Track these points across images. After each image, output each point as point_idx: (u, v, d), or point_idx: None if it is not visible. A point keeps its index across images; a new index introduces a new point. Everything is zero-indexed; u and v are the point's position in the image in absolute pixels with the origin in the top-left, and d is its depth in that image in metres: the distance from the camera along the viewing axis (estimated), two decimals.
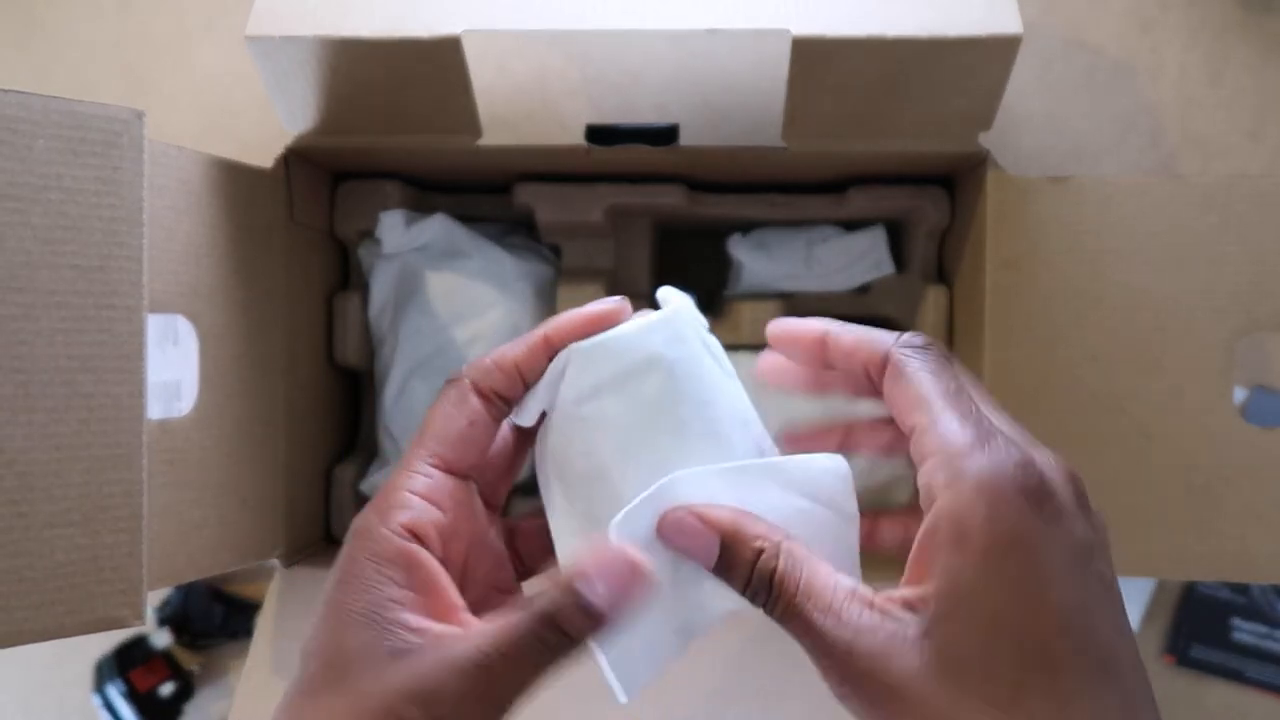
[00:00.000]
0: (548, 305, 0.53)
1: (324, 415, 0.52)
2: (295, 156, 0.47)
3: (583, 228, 0.51)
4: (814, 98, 0.42)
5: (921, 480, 0.25)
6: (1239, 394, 0.55)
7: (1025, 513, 0.24)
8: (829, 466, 0.28)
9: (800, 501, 0.27)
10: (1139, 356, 0.42)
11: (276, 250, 0.46)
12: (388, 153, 0.47)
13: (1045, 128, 0.57)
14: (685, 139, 0.45)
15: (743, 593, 0.26)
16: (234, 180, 0.42)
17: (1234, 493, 0.42)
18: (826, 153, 0.45)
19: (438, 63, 0.40)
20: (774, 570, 0.25)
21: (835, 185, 0.51)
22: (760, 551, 0.25)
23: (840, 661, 0.24)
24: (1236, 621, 0.55)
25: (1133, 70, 0.56)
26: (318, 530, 0.52)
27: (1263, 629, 0.55)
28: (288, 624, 0.44)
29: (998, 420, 0.26)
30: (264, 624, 0.44)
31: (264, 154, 0.46)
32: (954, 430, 0.25)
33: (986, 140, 0.44)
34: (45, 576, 0.30)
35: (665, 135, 0.45)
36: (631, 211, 0.52)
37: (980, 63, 0.39)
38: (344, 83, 0.42)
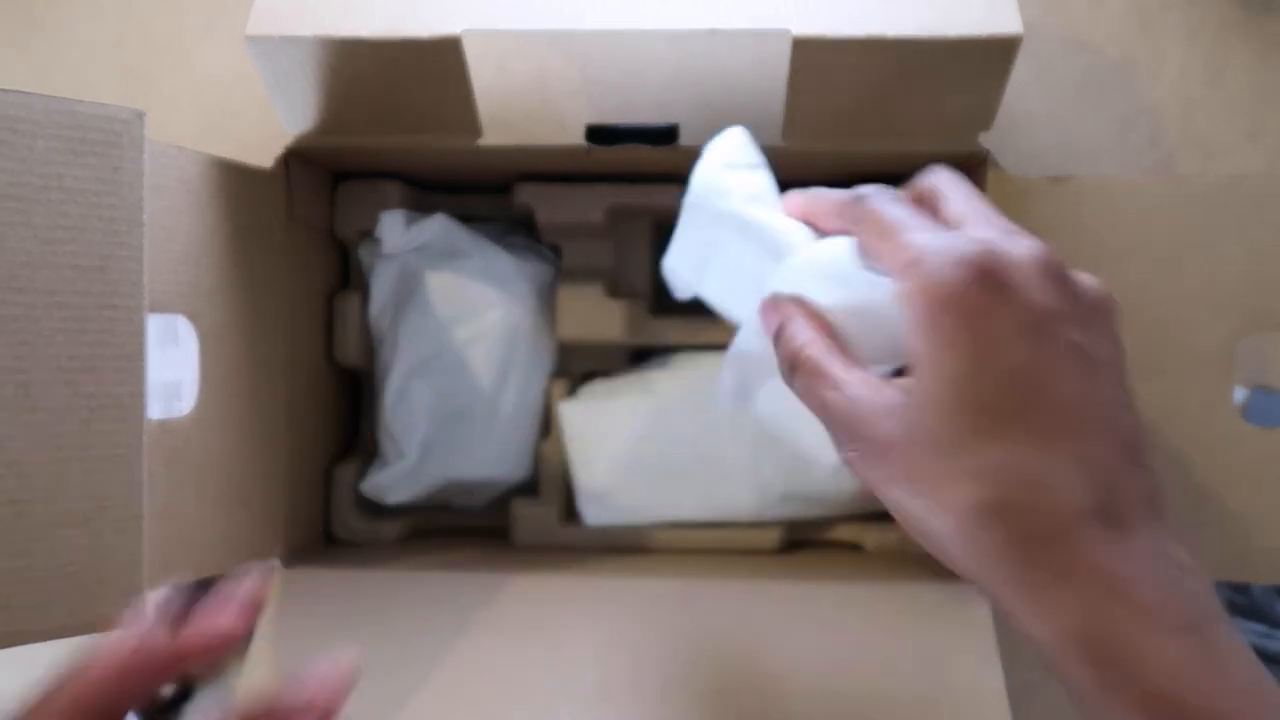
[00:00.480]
0: (548, 305, 0.53)
1: (324, 415, 0.52)
2: (295, 156, 0.47)
3: (583, 228, 0.51)
4: (814, 98, 0.42)
5: (896, 294, 0.28)
6: (1239, 394, 0.55)
7: (967, 287, 0.26)
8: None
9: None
10: (1139, 356, 0.42)
11: (276, 250, 0.46)
12: (388, 153, 0.47)
13: (1045, 128, 0.57)
14: (685, 139, 0.45)
15: (782, 365, 0.31)
16: (234, 180, 0.42)
17: (1234, 493, 0.42)
18: (826, 153, 0.45)
19: (438, 63, 0.40)
20: (800, 347, 0.30)
21: (835, 185, 0.51)
22: (799, 335, 0.31)
23: (844, 425, 0.29)
24: (1237, 621, 0.55)
25: (1133, 70, 0.56)
26: (318, 530, 0.52)
27: (1262, 629, 0.55)
28: (288, 624, 0.44)
29: (975, 222, 0.29)
30: (264, 624, 0.44)
31: (264, 154, 0.46)
32: (906, 241, 0.28)
33: (986, 140, 0.44)
34: (46, 577, 0.30)
35: (665, 135, 0.45)
36: (631, 211, 0.52)
37: (980, 63, 0.39)
38: (344, 83, 0.42)
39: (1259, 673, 0.24)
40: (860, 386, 0.28)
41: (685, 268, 0.38)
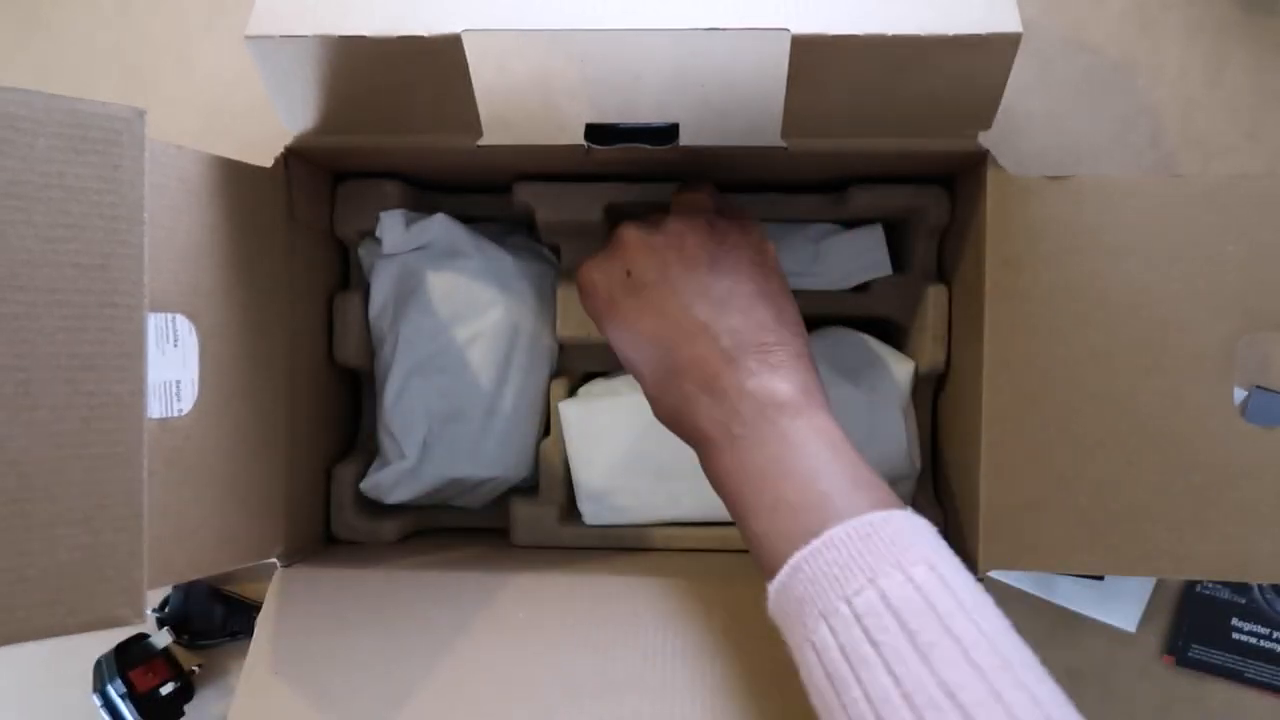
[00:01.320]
0: (548, 305, 0.53)
1: (324, 415, 0.52)
2: (295, 156, 0.47)
3: (583, 227, 0.51)
4: (814, 97, 0.42)
5: None
6: (1239, 394, 0.55)
7: (583, 300, 0.45)
8: None
9: None
10: (1139, 356, 0.42)
11: (277, 250, 0.46)
12: (388, 153, 0.47)
13: (1045, 128, 0.57)
14: (685, 139, 0.45)
15: None
16: (234, 180, 0.42)
17: (1234, 493, 0.42)
18: (826, 153, 0.45)
19: (438, 62, 0.40)
20: None
21: (835, 185, 0.51)
22: None
23: None
24: (1236, 621, 0.55)
25: (1133, 70, 0.56)
26: (318, 530, 0.52)
27: (1263, 629, 0.55)
28: (288, 624, 0.44)
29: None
30: (264, 624, 0.44)
31: (264, 154, 0.46)
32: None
33: (986, 140, 0.44)
34: (46, 575, 0.30)
35: (665, 135, 0.45)
36: (631, 211, 0.52)
37: (980, 62, 0.39)
38: (344, 83, 0.42)
39: (783, 462, 0.36)
40: None
41: None
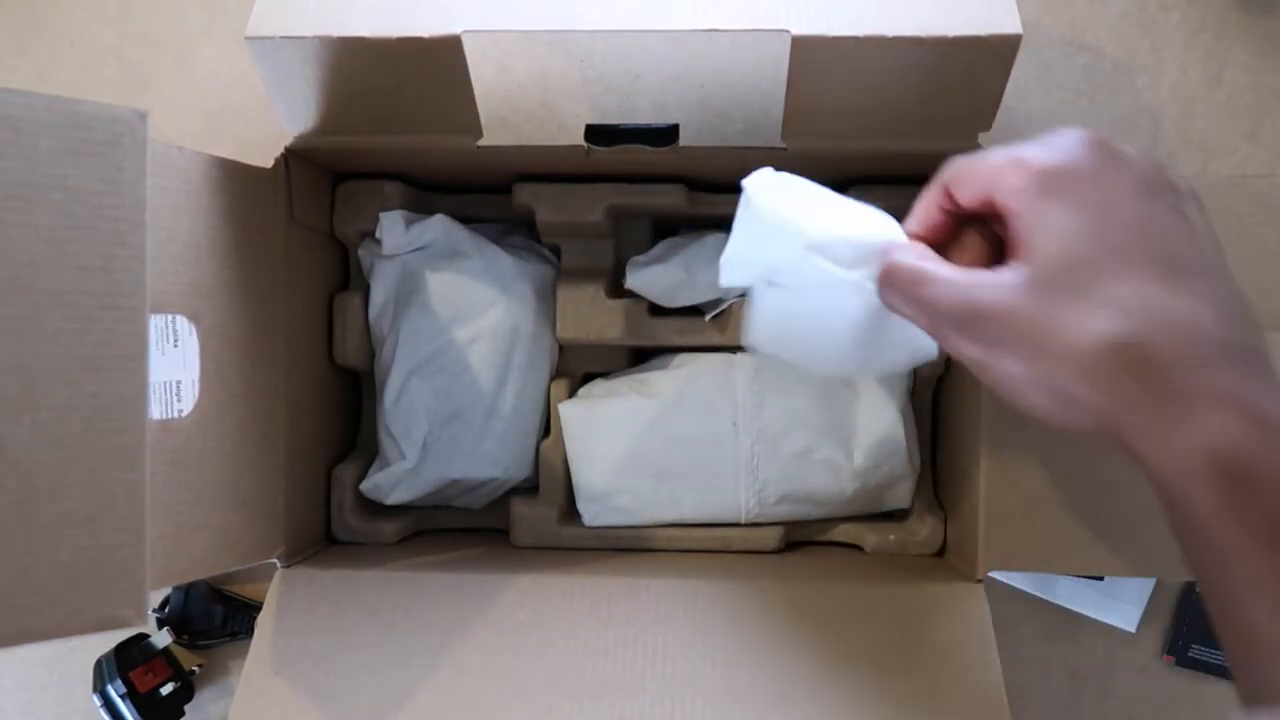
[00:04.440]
0: (548, 305, 0.53)
1: (324, 415, 0.52)
2: (295, 156, 0.47)
3: (583, 228, 0.51)
4: (814, 98, 0.42)
5: (1003, 202, 0.31)
6: None
7: (1087, 153, 0.30)
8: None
9: None
10: None
11: (277, 250, 0.46)
12: (388, 153, 0.47)
13: (1045, 128, 0.56)
14: (685, 139, 0.45)
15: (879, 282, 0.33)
16: (234, 180, 0.42)
17: None
18: (826, 153, 0.45)
19: (438, 63, 0.40)
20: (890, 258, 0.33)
21: (835, 185, 0.51)
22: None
23: (955, 313, 0.30)
24: None
25: (1132, 70, 0.56)
26: (318, 530, 0.52)
27: None
28: (288, 624, 0.44)
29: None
30: (264, 624, 0.44)
31: (264, 154, 0.46)
32: (1001, 156, 0.31)
33: (986, 140, 0.44)
34: (49, 576, 0.30)
35: (665, 135, 0.45)
36: (631, 211, 0.52)
37: (980, 63, 0.39)
38: (344, 83, 0.42)
39: None
40: (965, 274, 0.31)
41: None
